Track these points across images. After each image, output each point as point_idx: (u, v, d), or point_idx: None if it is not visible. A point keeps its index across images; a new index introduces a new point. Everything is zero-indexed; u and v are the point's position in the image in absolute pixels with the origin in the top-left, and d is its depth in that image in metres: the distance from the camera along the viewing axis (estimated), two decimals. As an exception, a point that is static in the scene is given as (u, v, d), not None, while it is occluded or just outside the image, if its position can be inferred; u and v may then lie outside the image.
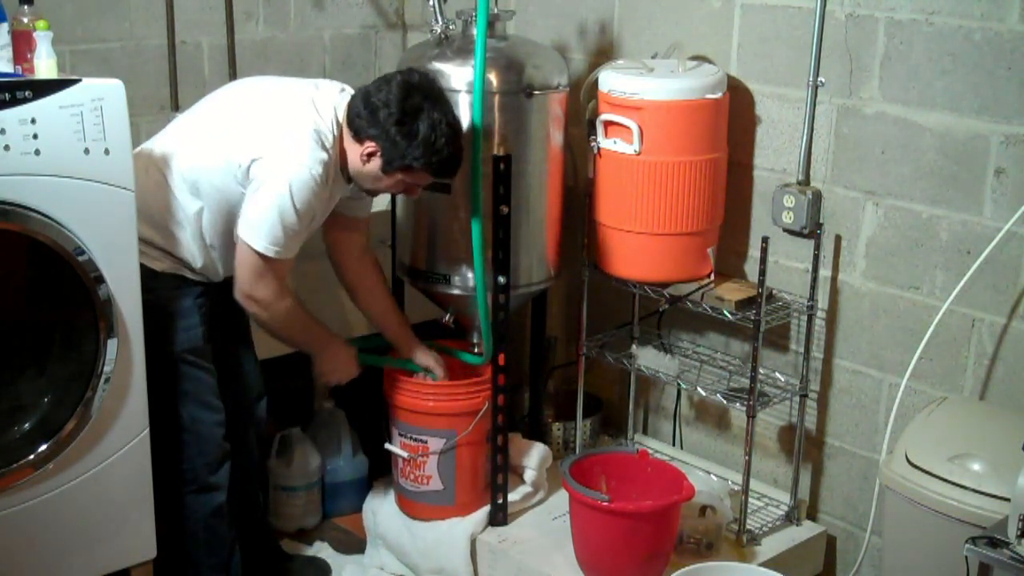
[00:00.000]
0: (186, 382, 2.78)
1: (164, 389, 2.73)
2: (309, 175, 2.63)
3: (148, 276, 2.65)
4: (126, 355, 2.53)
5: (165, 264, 2.72)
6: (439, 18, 3.03)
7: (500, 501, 3.12)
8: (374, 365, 3.12)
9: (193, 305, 2.76)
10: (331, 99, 2.74)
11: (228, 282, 2.78)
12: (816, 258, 2.99)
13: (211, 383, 2.83)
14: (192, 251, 2.73)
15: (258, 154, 2.64)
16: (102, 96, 2.40)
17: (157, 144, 2.77)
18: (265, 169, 2.63)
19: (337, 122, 2.72)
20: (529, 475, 3.22)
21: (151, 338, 2.63)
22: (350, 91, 2.79)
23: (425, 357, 3.09)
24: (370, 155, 2.70)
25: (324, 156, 2.65)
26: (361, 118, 2.69)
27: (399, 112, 2.65)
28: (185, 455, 2.81)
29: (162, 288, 2.71)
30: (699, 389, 3.13)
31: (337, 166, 2.74)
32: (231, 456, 2.88)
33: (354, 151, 2.72)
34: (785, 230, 3.09)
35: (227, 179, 2.68)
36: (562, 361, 3.66)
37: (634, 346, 3.36)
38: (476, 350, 3.14)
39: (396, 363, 3.12)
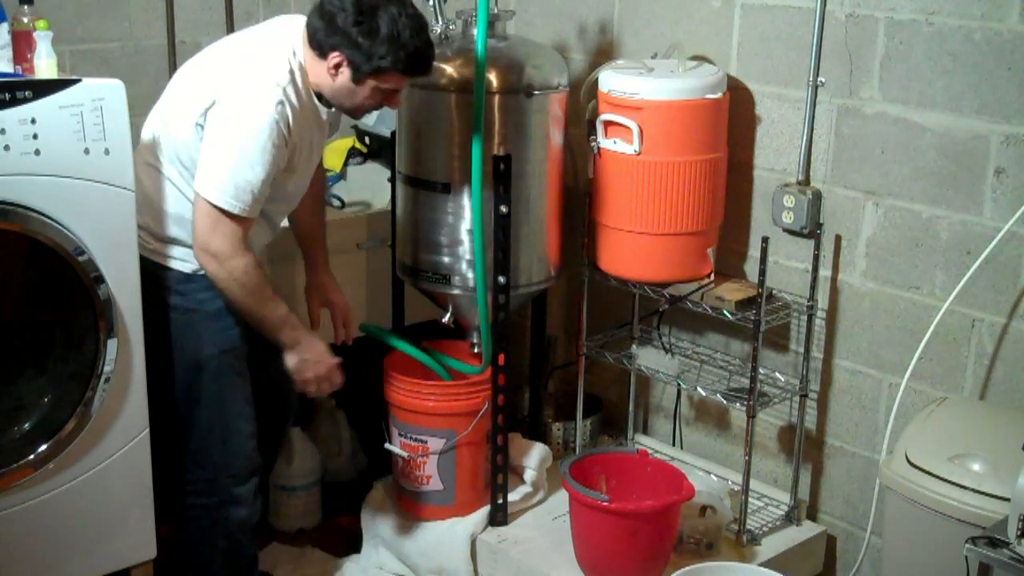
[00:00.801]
0: (221, 386, 2.69)
1: (194, 394, 2.67)
2: (268, 121, 2.48)
3: (179, 280, 2.62)
4: (126, 355, 2.53)
5: (196, 264, 2.63)
6: (439, 18, 3.03)
7: (500, 501, 3.12)
8: (377, 336, 3.09)
9: (228, 306, 2.64)
10: (288, 28, 2.62)
11: None
12: (816, 258, 2.99)
13: (246, 389, 2.75)
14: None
15: (213, 99, 2.51)
16: (102, 96, 2.40)
17: (144, 137, 2.69)
18: (219, 116, 2.50)
19: (299, 52, 2.58)
20: (529, 475, 3.22)
21: (183, 342, 2.60)
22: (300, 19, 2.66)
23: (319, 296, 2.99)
24: (337, 67, 2.54)
25: (284, 98, 2.51)
26: (319, 30, 2.53)
27: (355, 12, 2.50)
28: (209, 463, 2.73)
29: (195, 290, 2.64)
30: (699, 389, 3.13)
31: (310, 97, 2.60)
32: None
33: (321, 68, 2.56)
34: (785, 230, 3.09)
35: (190, 131, 2.56)
36: (562, 361, 3.67)
37: (634, 346, 3.36)
38: (476, 350, 3.14)
39: (408, 348, 3.09)
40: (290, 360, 2.70)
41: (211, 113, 2.53)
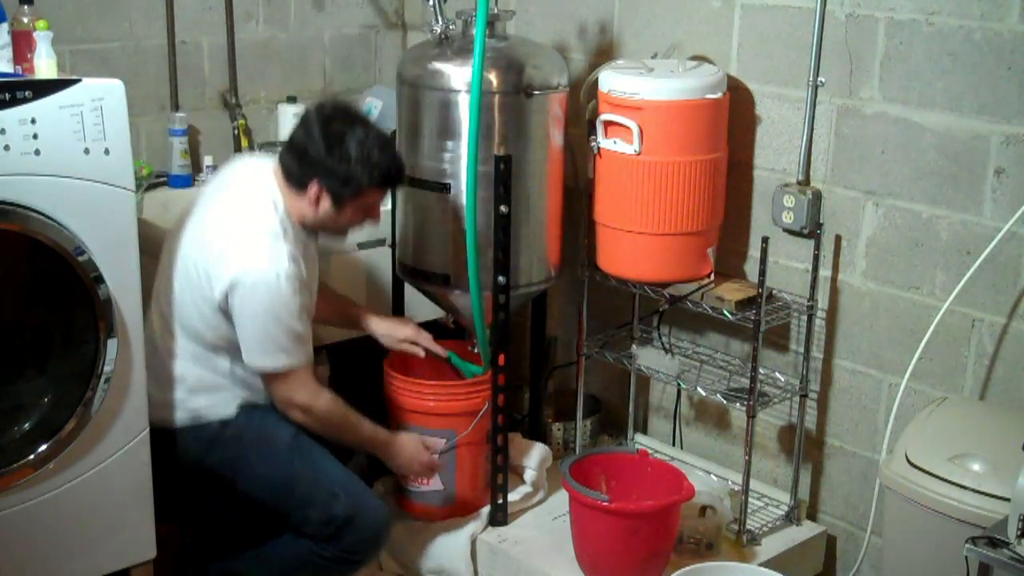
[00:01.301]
0: (300, 447, 2.76)
1: (288, 475, 2.74)
2: (287, 282, 2.59)
3: (218, 428, 2.73)
4: (126, 355, 2.53)
5: (238, 400, 2.75)
6: (439, 18, 3.03)
7: (500, 501, 3.12)
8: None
9: (277, 415, 2.77)
10: (259, 178, 2.70)
11: None
12: (816, 258, 2.99)
13: (331, 462, 2.80)
14: (250, 378, 2.75)
15: (228, 282, 2.60)
16: (102, 96, 2.40)
17: (154, 317, 2.75)
18: (244, 296, 2.59)
19: (278, 198, 2.68)
20: (529, 475, 3.23)
21: (253, 457, 2.72)
22: (272, 159, 2.76)
23: (390, 326, 3.09)
24: (318, 197, 2.65)
25: (288, 252, 2.61)
26: (294, 167, 2.66)
27: (325, 142, 2.61)
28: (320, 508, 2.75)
29: (244, 423, 2.75)
30: (699, 389, 3.13)
31: (299, 234, 2.69)
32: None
33: (302, 202, 2.67)
34: (785, 230, 3.09)
35: (211, 315, 2.66)
36: (562, 361, 3.67)
37: (634, 346, 3.36)
38: (475, 350, 3.14)
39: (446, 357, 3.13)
40: (390, 466, 2.95)
41: (233, 297, 2.60)
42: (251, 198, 2.68)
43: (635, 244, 3.03)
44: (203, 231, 2.67)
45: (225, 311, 2.64)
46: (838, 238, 3.03)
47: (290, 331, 2.63)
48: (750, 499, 3.07)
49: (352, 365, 3.22)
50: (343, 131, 2.63)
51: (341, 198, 2.66)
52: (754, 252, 3.15)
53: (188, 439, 2.74)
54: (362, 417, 2.84)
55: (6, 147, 2.29)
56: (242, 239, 2.62)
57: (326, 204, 2.66)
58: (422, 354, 3.07)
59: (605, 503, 2.80)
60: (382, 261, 3.38)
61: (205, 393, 2.73)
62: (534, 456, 3.25)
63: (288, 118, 3.71)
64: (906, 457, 2.59)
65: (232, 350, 2.70)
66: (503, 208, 2.95)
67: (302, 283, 2.64)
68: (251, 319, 2.62)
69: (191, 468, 2.75)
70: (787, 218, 3.05)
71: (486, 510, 3.13)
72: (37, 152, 2.33)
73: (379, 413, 3.20)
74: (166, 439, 2.72)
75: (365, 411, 3.37)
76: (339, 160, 2.62)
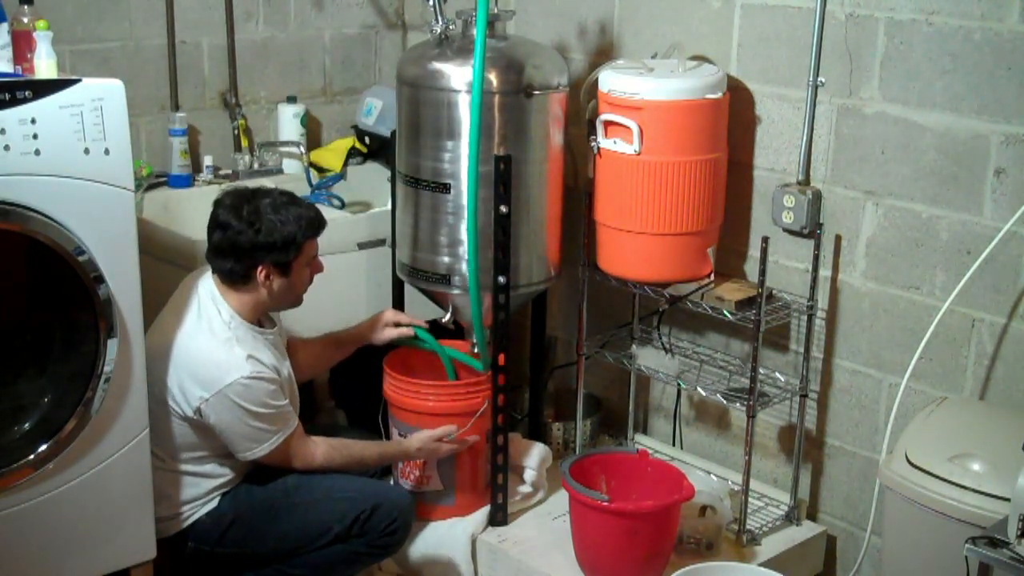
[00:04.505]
0: (303, 495, 2.79)
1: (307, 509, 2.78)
2: (249, 380, 2.64)
3: (211, 522, 2.76)
4: (126, 355, 2.53)
5: (215, 491, 2.78)
6: (439, 18, 3.03)
7: (500, 501, 3.12)
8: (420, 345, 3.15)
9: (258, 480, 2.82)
10: (200, 300, 2.73)
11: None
12: (816, 258, 2.99)
13: (330, 478, 2.84)
14: (223, 470, 2.79)
15: (199, 407, 2.65)
16: (102, 96, 2.40)
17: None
18: (216, 413, 2.65)
19: (222, 307, 2.71)
20: (529, 475, 3.23)
21: (268, 527, 2.76)
22: (207, 271, 2.78)
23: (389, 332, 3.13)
24: (268, 276, 2.70)
25: (241, 353, 2.65)
26: (233, 266, 2.69)
27: (248, 227, 2.66)
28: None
29: (231, 505, 2.78)
30: (699, 389, 3.13)
31: (249, 330, 2.73)
32: None
33: (253, 293, 2.72)
34: (785, 230, 3.09)
35: (187, 430, 2.72)
36: (562, 361, 3.67)
37: (634, 346, 3.36)
38: (475, 350, 3.14)
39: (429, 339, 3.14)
40: (415, 459, 3.03)
41: (209, 416, 2.66)
42: (196, 320, 2.71)
43: (635, 244, 3.03)
44: (163, 358, 2.69)
45: (199, 424, 2.69)
46: (838, 238, 3.03)
47: (272, 416, 2.70)
48: (750, 499, 3.07)
49: (352, 365, 3.22)
50: (254, 208, 2.69)
51: (287, 265, 2.71)
52: (754, 252, 3.15)
53: (190, 541, 2.78)
54: (362, 443, 2.94)
55: (6, 147, 2.29)
56: (199, 362, 2.66)
57: (277, 279, 2.72)
58: (411, 332, 3.12)
59: (605, 503, 2.80)
60: (382, 261, 3.38)
61: (184, 500, 2.76)
62: (534, 456, 3.25)
63: (288, 118, 3.72)
64: (906, 457, 2.59)
65: (205, 450, 2.75)
66: (503, 208, 2.95)
67: (268, 373, 2.69)
68: (230, 426, 2.67)
69: (206, 560, 2.79)
70: (787, 218, 3.05)
71: (486, 510, 3.13)
72: (37, 152, 2.33)
73: (379, 413, 3.22)
74: (170, 547, 2.77)
75: (365, 411, 3.40)
76: (269, 233, 2.67)
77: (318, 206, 3.53)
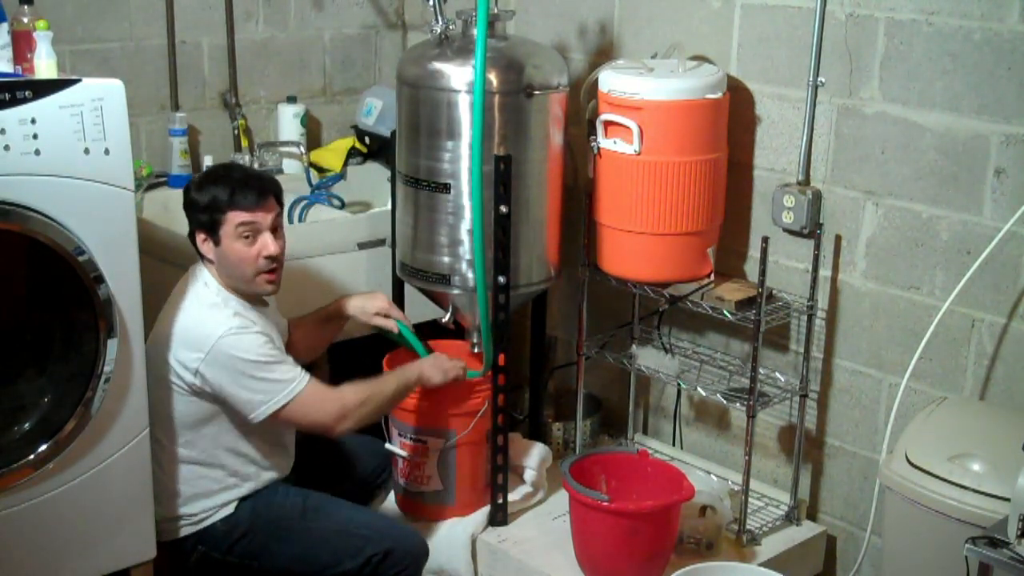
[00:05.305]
0: (320, 521, 2.78)
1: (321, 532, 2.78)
2: (238, 331, 2.63)
3: (223, 530, 2.74)
4: (126, 355, 2.53)
5: (233, 495, 2.76)
6: (439, 18, 3.03)
7: (500, 501, 3.12)
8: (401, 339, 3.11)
9: (280, 488, 2.82)
10: (194, 271, 2.76)
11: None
12: (816, 258, 2.99)
13: (349, 509, 2.84)
14: (238, 463, 2.77)
15: (196, 368, 2.63)
16: (102, 96, 2.40)
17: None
18: (213, 371, 2.62)
19: (207, 277, 2.73)
20: (529, 475, 3.23)
21: (280, 544, 2.74)
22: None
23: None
24: (204, 242, 2.69)
25: (226, 312, 2.66)
26: (190, 237, 2.74)
27: (185, 199, 2.71)
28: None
29: (248, 514, 2.76)
30: (699, 389, 3.13)
31: (240, 303, 2.73)
32: None
33: (212, 264, 2.72)
34: (785, 230, 3.09)
35: (195, 407, 2.70)
36: (562, 361, 3.67)
37: (634, 346, 3.36)
38: (476, 350, 3.14)
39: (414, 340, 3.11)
40: (428, 383, 2.93)
41: (207, 376, 2.63)
42: (188, 297, 2.72)
43: (635, 244, 3.03)
44: (162, 339, 2.69)
45: (205, 393, 2.67)
46: (838, 238, 3.03)
47: (272, 365, 2.65)
48: (750, 499, 3.07)
49: (352, 364, 3.22)
50: (207, 172, 2.80)
51: (212, 228, 2.66)
52: (754, 252, 3.15)
53: (200, 545, 2.76)
54: (380, 378, 2.86)
55: (6, 147, 2.30)
56: (188, 328, 2.66)
57: (208, 244, 2.69)
58: (396, 329, 3.05)
59: (605, 503, 2.80)
60: (382, 261, 3.38)
61: (202, 499, 2.74)
62: (534, 456, 3.25)
63: (288, 118, 3.72)
64: (906, 457, 2.59)
65: (218, 439, 2.73)
66: (503, 208, 2.95)
67: (256, 328, 2.67)
68: (233, 382, 2.63)
69: (213, 568, 2.77)
70: (787, 218, 3.05)
71: (486, 510, 3.13)
72: (37, 152, 2.33)
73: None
74: (177, 550, 2.76)
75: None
76: (192, 200, 2.68)
77: (318, 206, 3.56)
